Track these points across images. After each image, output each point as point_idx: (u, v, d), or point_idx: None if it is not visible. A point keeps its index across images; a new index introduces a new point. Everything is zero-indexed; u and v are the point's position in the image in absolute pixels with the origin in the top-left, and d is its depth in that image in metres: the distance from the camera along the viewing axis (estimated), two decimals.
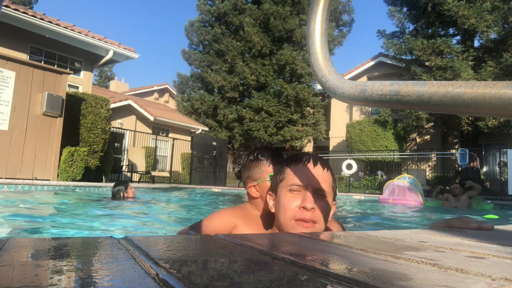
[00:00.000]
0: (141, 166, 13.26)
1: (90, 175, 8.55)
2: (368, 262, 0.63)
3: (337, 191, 1.35)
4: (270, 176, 1.49)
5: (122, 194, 5.27)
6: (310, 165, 1.24)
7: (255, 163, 1.55)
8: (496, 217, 5.60)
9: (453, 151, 15.99)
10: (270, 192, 1.33)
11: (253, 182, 1.54)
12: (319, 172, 1.23)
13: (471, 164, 13.88)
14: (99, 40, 10.36)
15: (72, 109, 8.50)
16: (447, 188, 8.58)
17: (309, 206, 1.17)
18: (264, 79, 20.41)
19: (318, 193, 1.21)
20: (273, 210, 1.30)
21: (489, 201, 7.95)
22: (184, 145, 16.86)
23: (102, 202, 5.26)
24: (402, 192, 8.67)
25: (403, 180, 9.06)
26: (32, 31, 9.21)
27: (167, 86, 28.19)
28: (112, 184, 5.93)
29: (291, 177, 1.23)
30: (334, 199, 1.30)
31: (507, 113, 0.54)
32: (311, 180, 1.20)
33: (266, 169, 1.53)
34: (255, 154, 1.58)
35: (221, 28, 22.16)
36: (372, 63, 19.45)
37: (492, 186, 15.12)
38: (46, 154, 7.40)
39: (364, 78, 19.60)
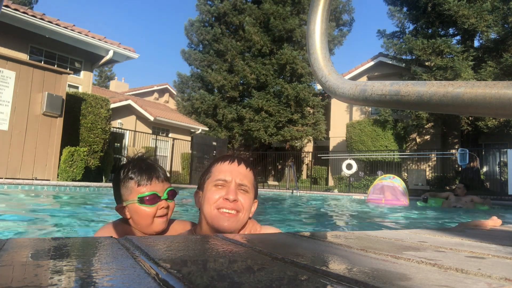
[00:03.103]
0: None
1: (90, 175, 8.54)
2: (368, 262, 0.63)
3: (258, 191, 1.46)
4: (139, 197, 1.38)
5: None
6: (235, 164, 1.36)
7: (124, 181, 1.42)
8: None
9: (453, 151, 15.99)
10: (198, 190, 1.43)
11: (122, 203, 1.43)
12: (242, 170, 1.36)
13: (471, 164, 13.88)
14: (99, 40, 10.36)
15: (72, 109, 8.50)
16: (425, 197, 8.49)
17: (231, 198, 1.29)
18: (264, 79, 20.42)
19: (240, 188, 1.33)
20: (198, 207, 1.40)
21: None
22: (184, 145, 16.86)
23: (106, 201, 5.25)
24: (393, 193, 8.65)
25: (388, 180, 9.05)
26: (32, 31, 9.21)
27: (167, 86, 28.19)
28: (111, 184, 5.86)
29: (217, 173, 1.35)
30: (255, 198, 1.42)
31: (507, 113, 0.54)
32: (235, 176, 1.33)
33: (135, 189, 1.40)
34: (126, 170, 1.43)
35: (221, 28, 22.17)
36: (372, 63, 19.46)
37: (492, 186, 15.12)
38: (46, 154, 7.40)
39: (364, 78, 19.60)
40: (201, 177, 1.44)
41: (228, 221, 1.28)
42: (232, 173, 1.33)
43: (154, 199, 1.39)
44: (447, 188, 13.71)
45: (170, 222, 1.52)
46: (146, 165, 1.44)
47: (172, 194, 1.45)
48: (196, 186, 1.50)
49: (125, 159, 1.55)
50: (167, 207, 1.42)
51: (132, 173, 1.41)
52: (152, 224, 1.40)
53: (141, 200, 1.38)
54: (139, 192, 1.39)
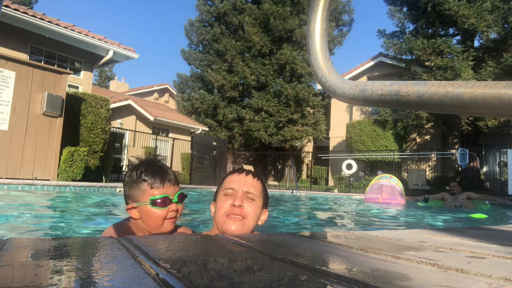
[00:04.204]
0: None
1: (90, 175, 8.54)
2: (368, 262, 0.63)
3: (268, 201, 1.56)
4: (151, 199, 1.41)
5: None
6: (242, 175, 1.50)
7: (137, 183, 1.45)
8: (484, 216, 5.58)
9: (453, 151, 15.99)
10: (213, 202, 1.54)
11: (133, 203, 1.46)
12: (249, 180, 1.48)
13: (471, 164, 13.88)
14: (99, 40, 10.36)
15: (72, 109, 8.49)
16: (426, 197, 8.46)
17: (237, 203, 1.40)
18: (264, 79, 20.41)
19: (247, 196, 1.44)
20: (212, 216, 1.51)
21: (487, 202, 7.90)
22: (184, 145, 16.85)
23: (104, 201, 5.25)
24: (390, 192, 8.67)
25: (385, 179, 9.06)
26: (32, 31, 9.21)
27: (167, 86, 28.19)
28: (112, 184, 5.88)
29: (226, 183, 1.49)
30: (265, 207, 1.53)
31: (507, 113, 0.54)
32: (242, 185, 1.45)
33: (148, 191, 1.43)
34: (138, 172, 1.46)
35: (220, 28, 22.16)
36: (372, 63, 19.45)
37: (492, 186, 15.12)
38: (46, 154, 7.39)
39: (364, 78, 19.59)
40: (216, 190, 1.56)
41: (235, 224, 1.39)
42: (239, 182, 1.46)
43: (165, 202, 1.45)
44: (447, 188, 13.70)
45: (176, 227, 1.57)
46: (159, 168, 1.50)
47: (181, 198, 1.51)
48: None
49: (136, 160, 1.59)
50: (176, 210, 1.48)
51: (146, 175, 1.45)
52: (162, 226, 1.46)
53: (153, 203, 1.43)
54: (151, 194, 1.43)
